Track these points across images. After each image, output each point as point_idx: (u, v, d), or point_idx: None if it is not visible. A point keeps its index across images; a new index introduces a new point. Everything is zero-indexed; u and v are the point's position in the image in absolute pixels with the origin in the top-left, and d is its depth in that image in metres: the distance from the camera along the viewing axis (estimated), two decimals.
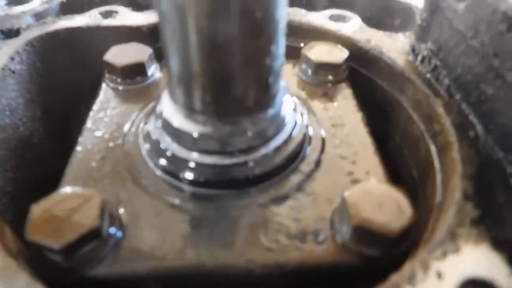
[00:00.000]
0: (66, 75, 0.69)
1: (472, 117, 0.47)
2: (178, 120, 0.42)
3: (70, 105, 0.72)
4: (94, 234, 0.37)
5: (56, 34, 0.66)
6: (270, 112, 0.43)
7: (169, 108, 0.44)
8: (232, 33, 0.35)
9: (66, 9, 0.75)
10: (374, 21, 0.81)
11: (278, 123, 0.44)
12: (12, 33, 0.64)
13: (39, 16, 0.70)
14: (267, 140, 0.44)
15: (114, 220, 0.40)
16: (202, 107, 0.40)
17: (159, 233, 0.40)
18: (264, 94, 0.41)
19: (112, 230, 0.39)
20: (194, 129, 0.41)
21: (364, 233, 0.37)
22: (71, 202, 0.38)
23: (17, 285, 0.31)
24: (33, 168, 0.63)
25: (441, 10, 0.54)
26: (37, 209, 0.38)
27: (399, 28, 0.79)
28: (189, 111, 0.41)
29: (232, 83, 0.37)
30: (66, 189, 0.40)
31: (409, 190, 0.56)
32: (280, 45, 0.39)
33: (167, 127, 0.44)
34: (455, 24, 0.51)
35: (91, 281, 0.36)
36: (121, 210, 0.42)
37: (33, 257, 0.36)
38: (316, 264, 0.38)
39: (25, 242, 0.37)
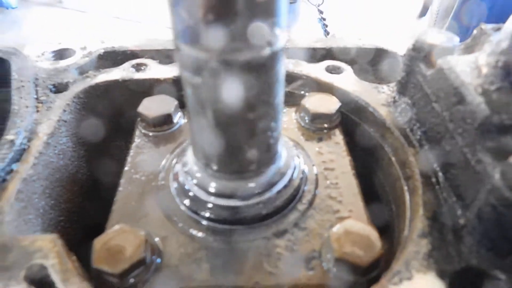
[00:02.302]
0: (104, 119, 0.83)
1: (435, 166, 0.59)
2: (199, 173, 0.55)
3: (106, 144, 0.85)
4: (141, 262, 0.49)
5: (97, 86, 0.79)
6: (273, 167, 0.55)
7: (192, 161, 0.57)
8: (242, 121, 0.47)
9: (103, 60, 0.88)
10: (366, 64, 0.93)
11: (280, 173, 0.57)
12: (62, 87, 0.77)
13: (81, 69, 0.84)
14: (271, 186, 0.56)
15: (154, 250, 0.52)
16: (217, 168, 0.53)
17: (187, 260, 0.53)
18: (267, 156, 0.53)
19: (153, 258, 0.52)
20: (211, 181, 0.54)
21: (343, 263, 0.49)
22: (122, 237, 0.51)
23: None
24: (79, 198, 0.76)
25: (414, 73, 0.66)
26: (98, 243, 0.50)
27: (387, 71, 0.91)
28: (208, 169, 0.54)
29: (241, 152, 0.50)
30: (118, 227, 0.53)
31: (389, 220, 0.67)
32: (279, 120, 0.51)
33: (190, 175, 0.57)
34: (424, 87, 0.63)
35: None
36: (158, 240, 0.55)
37: (96, 280, 0.49)
38: (306, 285, 0.50)
39: (87, 268, 0.50)
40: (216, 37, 0.37)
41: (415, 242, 0.49)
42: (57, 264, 0.47)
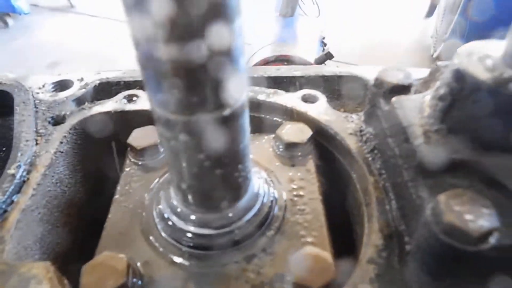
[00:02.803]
0: (97, 146, 0.90)
1: (390, 194, 0.65)
2: (178, 205, 0.62)
3: (100, 168, 0.93)
4: (123, 286, 0.56)
5: (92, 117, 0.87)
6: (245, 198, 0.62)
7: (172, 192, 0.64)
8: (211, 169, 0.54)
9: (98, 91, 0.96)
10: (341, 91, 1.00)
11: (251, 203, 0.63)
12: (60, 119, 0.85)
13: (78, 100, 0.91)
14: (243, 215, 0.63)
15: (136, 273, 0.59)
16: (193, 202, 0.59)
17: (166, 282, 0.60)
18: (238, 192, 0.60)
19: (134, 281, 0.59)
20: (188, 212, 0.61)
21: (299, 286, 0.55)
22: (108, 263, 0.58)
23: None
24: (75, 220, 0.84)
25: (376, 107, 0.72)
26: (86, 269, 0.57)
27: (363, 96, 0.97)
28: (185, 201, 0.61)
29: (214, 191, 0.57)
30: (104, 253, 0.60)
31: (356, 243, 0.74)
32: (246, 161, 0.58)
33: (171, 205, 0.64)
34: (382, 122, 0.69)
35: None
36: (140, 264, 0.62)
37: None
38: None
39: None
40: (178, 103, 0.44)
41: (364, 267, 0.56)
42: None
